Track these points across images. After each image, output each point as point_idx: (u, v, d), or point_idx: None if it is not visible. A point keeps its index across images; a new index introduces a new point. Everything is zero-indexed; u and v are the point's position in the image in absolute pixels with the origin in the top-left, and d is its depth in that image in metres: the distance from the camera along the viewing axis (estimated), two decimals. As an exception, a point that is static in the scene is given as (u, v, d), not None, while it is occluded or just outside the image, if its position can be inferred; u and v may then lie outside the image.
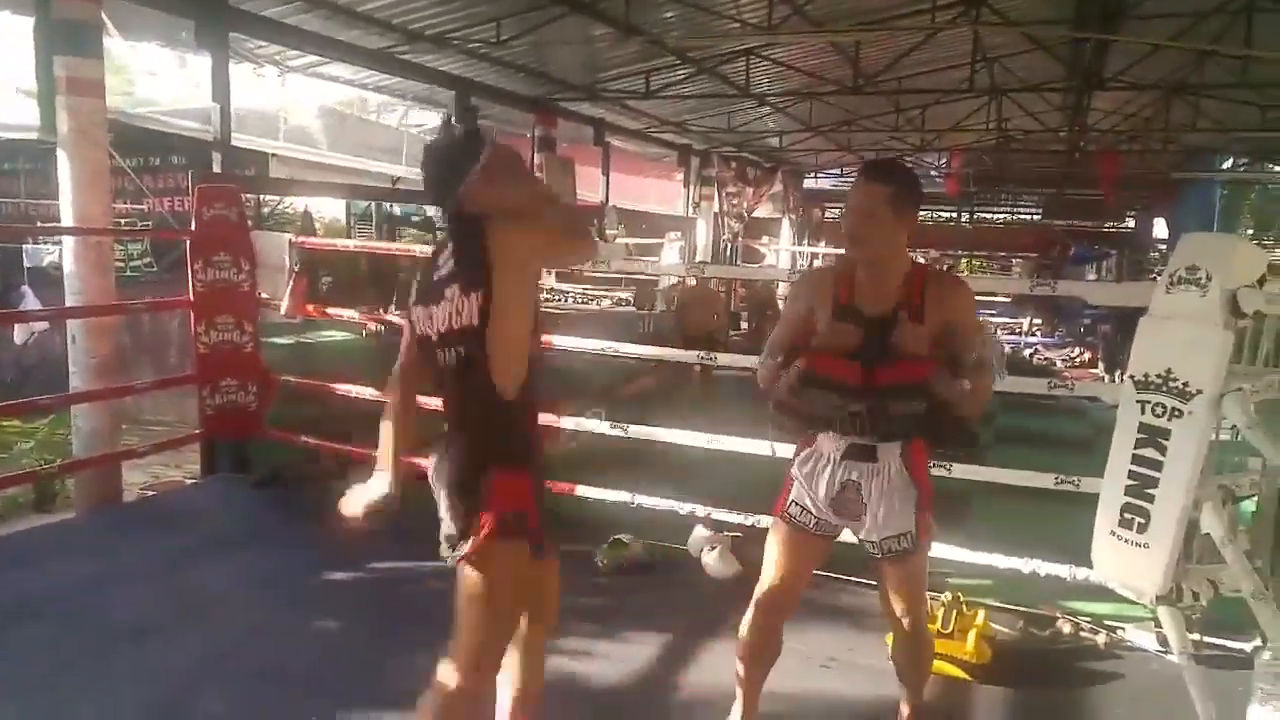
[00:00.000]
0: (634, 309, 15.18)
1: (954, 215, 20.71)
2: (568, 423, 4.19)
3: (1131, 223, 18.73)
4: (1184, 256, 2.94)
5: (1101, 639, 3.19)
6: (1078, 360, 13.14)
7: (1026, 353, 13.98)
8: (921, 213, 2.63)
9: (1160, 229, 17.47)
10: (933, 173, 16.71)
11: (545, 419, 3.78)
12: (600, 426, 4.04)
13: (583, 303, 15.80)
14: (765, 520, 3.69)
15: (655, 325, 13.70)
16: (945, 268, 15.07)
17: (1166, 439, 2.88)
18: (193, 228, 4.52)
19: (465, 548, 1.87)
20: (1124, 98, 10.83)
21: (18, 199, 10.62)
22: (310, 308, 4.79)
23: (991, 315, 16.59)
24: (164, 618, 3.17)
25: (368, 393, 4.57)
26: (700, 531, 3.86)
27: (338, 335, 10.01)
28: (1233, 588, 2.99)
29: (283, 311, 4.63)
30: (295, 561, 3.71)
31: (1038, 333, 15.73)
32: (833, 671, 2.88)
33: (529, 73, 8.97)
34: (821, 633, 3.01)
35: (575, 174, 9.87)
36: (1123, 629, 3.21)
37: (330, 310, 5.03)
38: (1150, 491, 2.89)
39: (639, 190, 14.42)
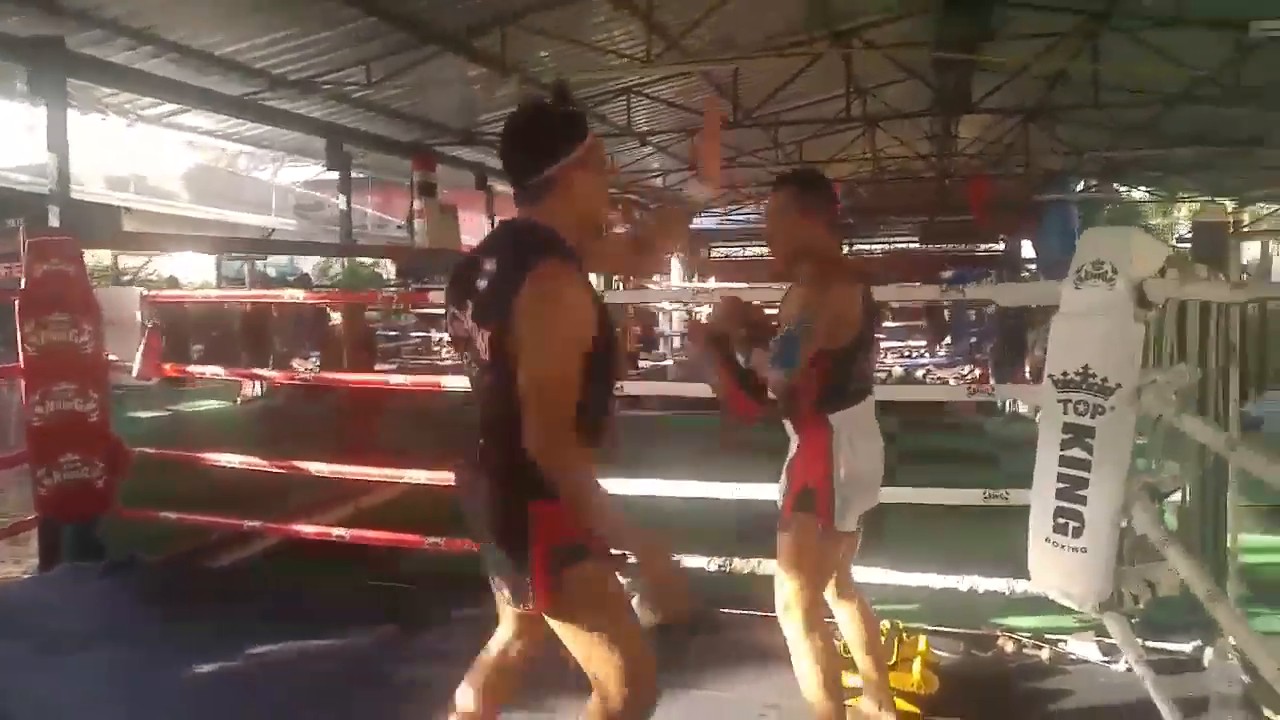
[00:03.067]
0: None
1: (835, 248, 21.17)
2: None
3: (1002, 245, 19.56)
4: (1088, 252, 2.88)
5: (1045, 654, 3.06)
6: (969, 378, 13.45)
7: (919, 373, 14.26)
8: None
9: (1028, 250, 18.29)
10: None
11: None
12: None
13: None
14: (687, 561, 3.44)
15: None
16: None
17: (1092, 437, 2.78)
18: (22, 285, 4.00)
19: (531, 601, 1.68)
20: (988, 122, 11.30)
21: None
22: (168, 367, 4.32)
23: (881, 339, 16.97)
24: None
25: (235, 460, 4.12)
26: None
27: (210, 404, 9.35)
28: (1170, 588, 2.91)
29: (134, 374, 4.15)
30: (154, 657, 3.20)
31: (925, 354, 16.12)
32: (772, 720, 2.61)
33: (404, 117, 8.69)
34: (755, 678, 2.75)
35: (458, 220, 9.55)
36: (1064, 641, 3.08)
37: (193, 369, 4.57)
38: (1081, 493, 2.78)
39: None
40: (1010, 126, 11.68)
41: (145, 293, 4.26)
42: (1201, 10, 5.89)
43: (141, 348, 4.13)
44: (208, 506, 4.23)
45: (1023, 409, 8.62)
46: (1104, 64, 7.58)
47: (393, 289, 13.97)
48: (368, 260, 19.44)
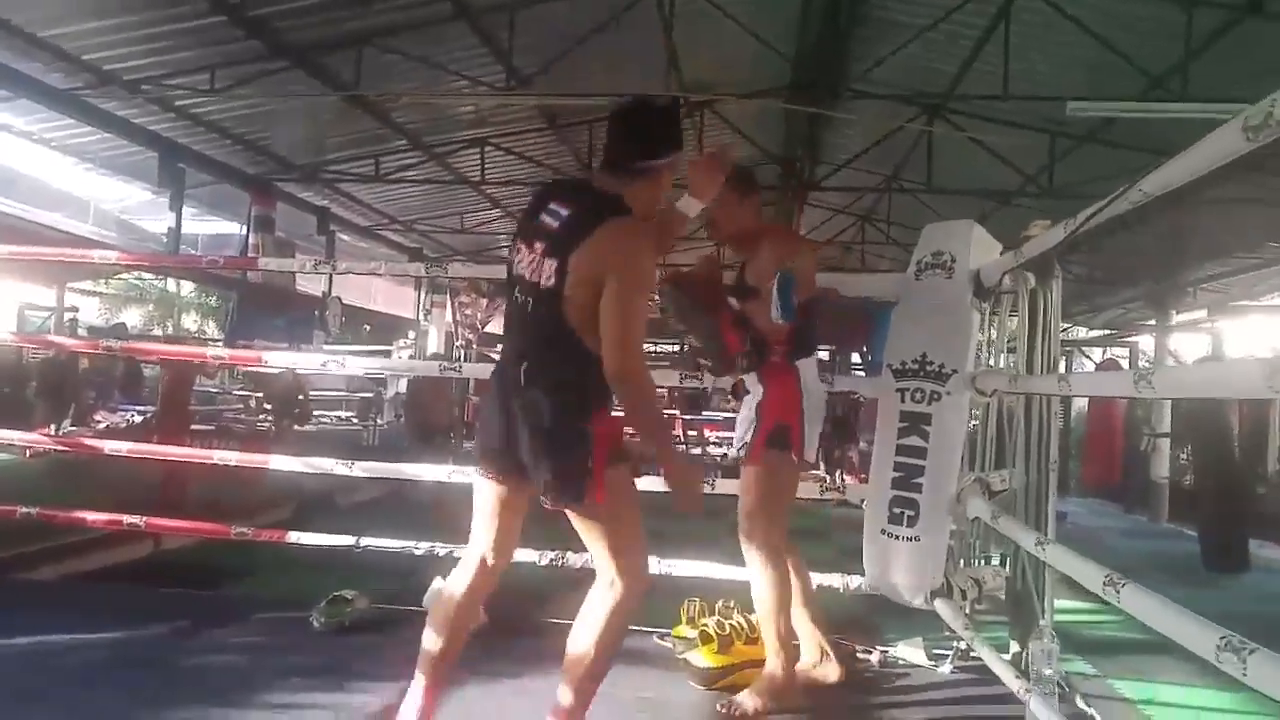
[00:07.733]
0: (356, 424, 14.24)
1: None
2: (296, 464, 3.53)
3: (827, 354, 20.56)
4: (929, 244, 2.99)
5: (875, 658, 3.02)
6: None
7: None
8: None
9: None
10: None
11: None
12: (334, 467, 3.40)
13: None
14: (520, 554, 3.21)
15: (381, 437, 12.85)
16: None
17: (928, 424, 2.82)
18: None
19: (587, 495, 1.91)
20: (825, 220, 11.94)
21: None
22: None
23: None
24: None
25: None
26: (438, 585, 3.28)
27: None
28: (994, 587, 2.95)
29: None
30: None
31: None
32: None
33: (247, 145, 8.28)
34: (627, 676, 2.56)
35: (295, 256, 9.12)
36: (892, 647, 3.07)
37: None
38: (917, 481, 2.80)
39: (367, 288, 13.71)
40: (847, 226, 12.44)
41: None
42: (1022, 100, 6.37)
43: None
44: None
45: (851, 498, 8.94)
46: (935, 160, 8.19)
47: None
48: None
